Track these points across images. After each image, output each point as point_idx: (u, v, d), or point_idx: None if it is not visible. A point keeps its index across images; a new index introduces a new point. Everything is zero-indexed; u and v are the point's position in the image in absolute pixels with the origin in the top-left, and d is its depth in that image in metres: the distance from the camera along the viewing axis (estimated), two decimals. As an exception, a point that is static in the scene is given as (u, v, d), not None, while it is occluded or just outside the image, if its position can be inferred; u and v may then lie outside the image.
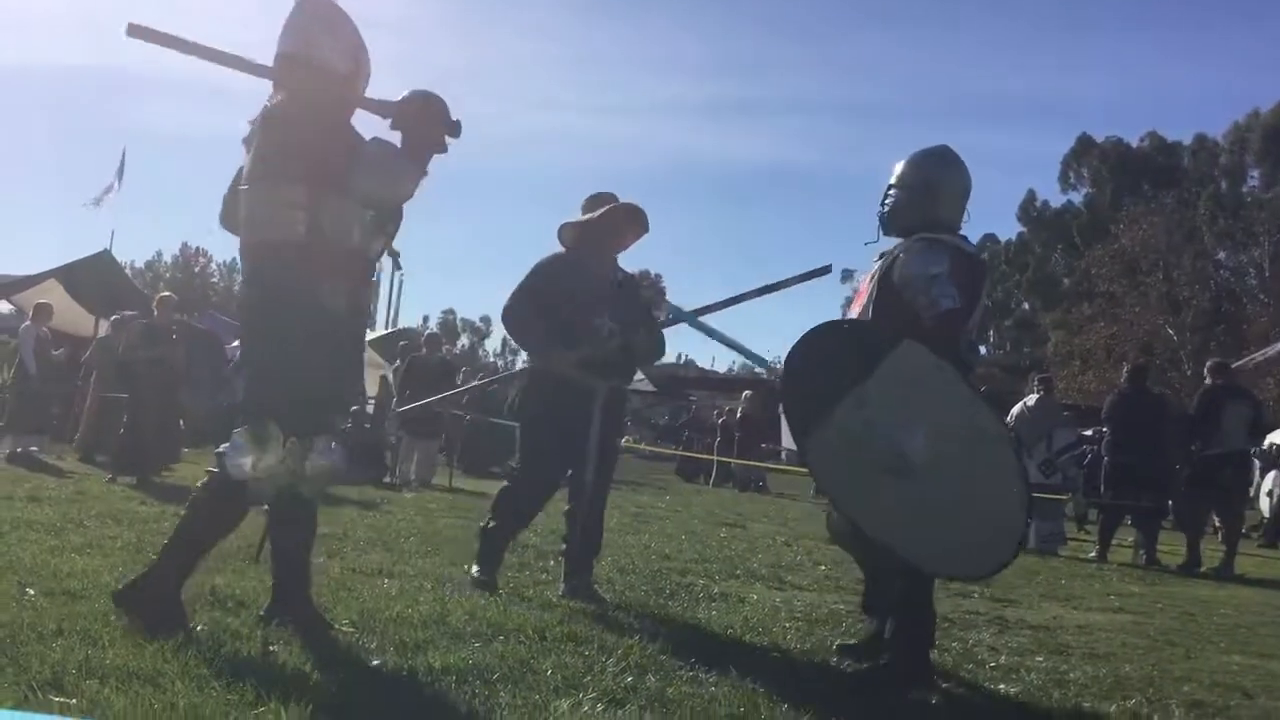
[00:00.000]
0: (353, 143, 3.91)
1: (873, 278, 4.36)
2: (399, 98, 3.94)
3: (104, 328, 13.59)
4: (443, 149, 3.95)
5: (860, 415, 3.93)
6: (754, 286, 5.52)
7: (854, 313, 4.47)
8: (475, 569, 5.52)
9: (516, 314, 5.59)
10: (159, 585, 3.85)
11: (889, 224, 4.43)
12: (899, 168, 4.44)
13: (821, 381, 4.04)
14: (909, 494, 3.89)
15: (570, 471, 5.55)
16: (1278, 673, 5.12)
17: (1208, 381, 11.35)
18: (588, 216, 5.65)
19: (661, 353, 5.90)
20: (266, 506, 3.99)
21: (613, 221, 5.63)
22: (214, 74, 3.75)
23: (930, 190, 4.34)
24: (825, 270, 5.27)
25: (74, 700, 2.91)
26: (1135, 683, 4.60)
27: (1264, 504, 15.93)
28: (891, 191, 4.42)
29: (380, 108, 3.98)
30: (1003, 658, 4.88)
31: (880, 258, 4.39)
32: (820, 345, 4.09)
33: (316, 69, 3.90)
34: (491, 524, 5.62)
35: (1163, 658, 5.29)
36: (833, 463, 4.14)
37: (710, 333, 5.54)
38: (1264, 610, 7.54)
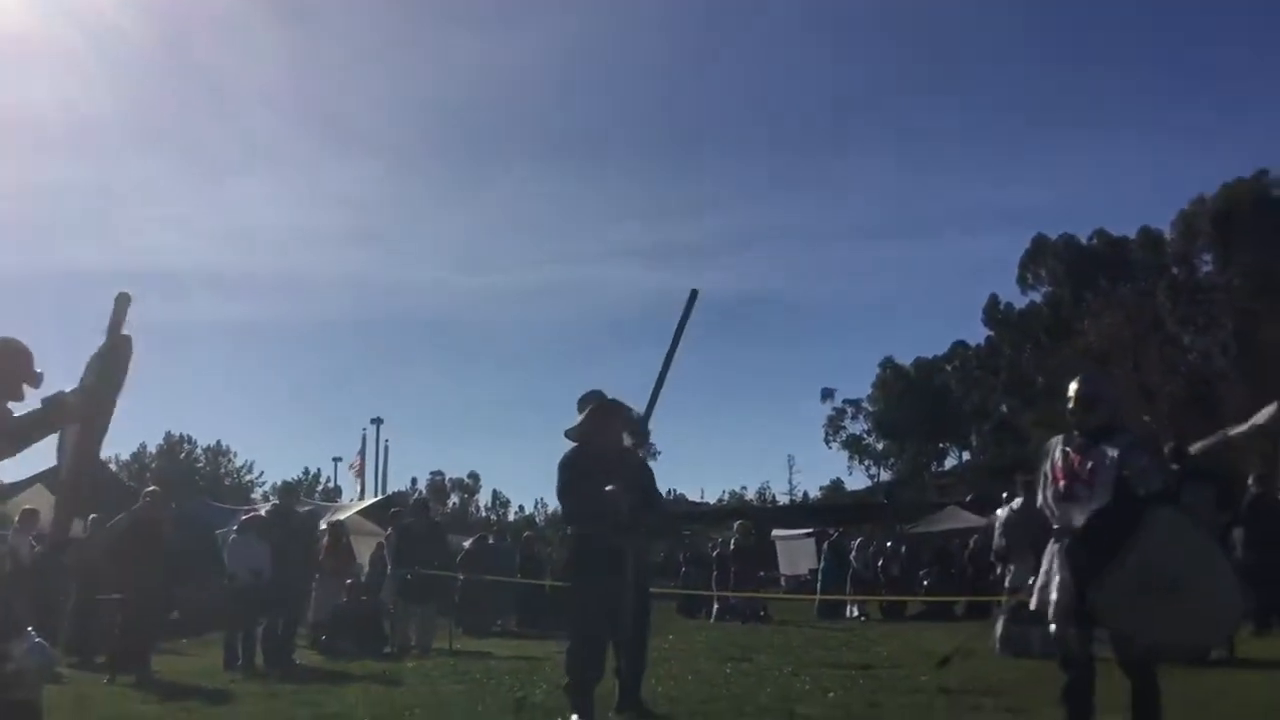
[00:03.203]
0: None
1: (1081, 462, 5.73)
2: None
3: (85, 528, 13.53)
4: (19, 397, 4.22)
5: (1139, 559, 5.40)
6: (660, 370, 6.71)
7: (1062, 485, 5.80)
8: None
9: (565, 498, 6.85)
10: None
11: (1083, 427, 5.86)
12: (1074, 387, 5.93)
13: (1105, 545, 5.49)
14: (1171, 601, 5.35)
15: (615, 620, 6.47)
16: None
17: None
18: (582, 417, 6.94)
19: (668, 526, 7.13)
20: None
21: (596, 420, 6.90)
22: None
23: (1109, 403, 6.07)
24: (694, 295, 6.72)
25: None
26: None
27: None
28: (1077, 409, 5.90)
29: None
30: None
31: (1071, 445, 5.84)
32: (1099, 522, 5.59)
33: None
34: (567, 681, 6.57)
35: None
36: (1119, 599, 5.45)
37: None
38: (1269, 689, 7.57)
